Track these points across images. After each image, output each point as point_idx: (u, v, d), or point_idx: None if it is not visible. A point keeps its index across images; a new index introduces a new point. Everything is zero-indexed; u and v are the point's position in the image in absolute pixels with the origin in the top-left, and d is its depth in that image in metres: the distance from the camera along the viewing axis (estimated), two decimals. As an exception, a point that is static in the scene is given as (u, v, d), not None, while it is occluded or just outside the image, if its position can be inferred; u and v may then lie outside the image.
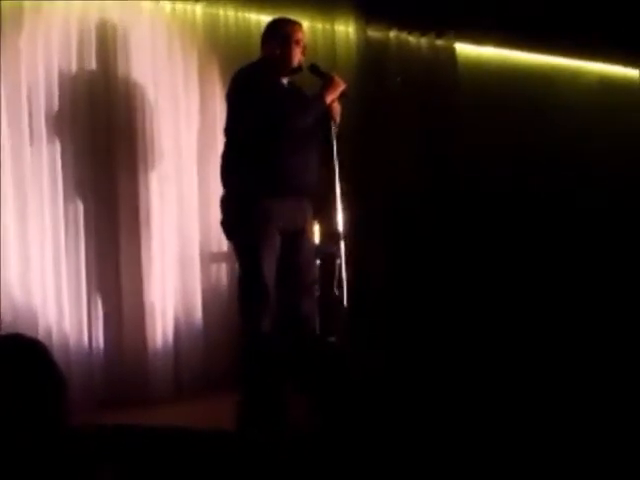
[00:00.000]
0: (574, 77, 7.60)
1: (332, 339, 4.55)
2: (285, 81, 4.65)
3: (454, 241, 6.33)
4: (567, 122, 7.14)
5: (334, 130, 4.56)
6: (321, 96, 4.53)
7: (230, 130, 4.61)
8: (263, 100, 4.44)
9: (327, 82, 4.58)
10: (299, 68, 4.63)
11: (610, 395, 4.23)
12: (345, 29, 6.24)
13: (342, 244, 4.49)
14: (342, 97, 4.61)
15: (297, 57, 4.59)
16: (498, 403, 4.06)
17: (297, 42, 4.60)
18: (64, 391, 2.43)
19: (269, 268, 4.46)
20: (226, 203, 4.60)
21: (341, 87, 4.59)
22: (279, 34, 4.63)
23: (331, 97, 4.55)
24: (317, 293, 4.73)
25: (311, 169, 4.56)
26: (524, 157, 6.88)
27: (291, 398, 4.37)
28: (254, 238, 4.44)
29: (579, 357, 4.88)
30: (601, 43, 7.14)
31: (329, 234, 4.64)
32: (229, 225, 4.62)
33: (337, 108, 4.60)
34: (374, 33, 6.40)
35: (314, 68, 4.66)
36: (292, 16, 5.09)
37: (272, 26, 4.73)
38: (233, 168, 4.57)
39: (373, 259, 5.82)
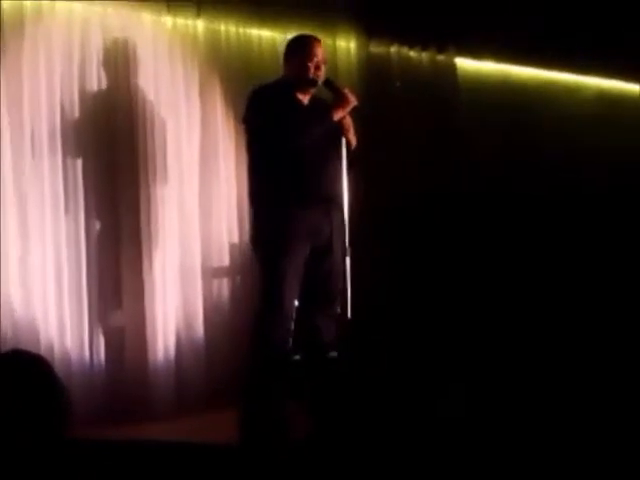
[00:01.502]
0: (574, 91, 7.62)
1: (334, 354, 4.55)
2: (305, 97, 4.68)
3: (461, 253, 6.34)
4: (567, 135, 7.16)
5: (345, 144, 4.59)
6: (328, 113, 4.57)
7: (249, 148, 4.68)
8: (269, 119, 4.49)
9: (338, 98, 4.62)
10: (313, 82, 4.65)
11: (610, 393, 4.24)
12: (346, 44, 6.25)
13: (348, 258, 4.51)
14: (353, 111, 4.65)
15: (310, 71, 4.63)
16: (501, 415, 4.06)
17: (309, 56, 4.63)
18: (67, 406, 2.43)
19: (292, 281, 4.50)
20: (254, 218, 4.67)
21: (352, 103, 4.62)
22: (294, 51, 4.70)
23: (340, 114, 4.59)
24: (338, 309, 4.71)
25: (334, 179, 4.58)
26: (525, 171, 6.89)
27: (291, 407, 4.38)
28: (278, 250, 4.48)
29: (586, 374, 4.86)
30: (601, 57, 7.16)
31: None
32: (255, 238, 4.68)
33: (348, 123, 4.63)
34: (375, 48, 6.42)
35: (328, 83, 4.70)
36: (293, 32, 5.15)
37: (289, 44, 4.80)
38: (258, 185, 4.62)
39: (377, 272, 5.83)
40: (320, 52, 4.70)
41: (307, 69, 4.64)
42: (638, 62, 7.38)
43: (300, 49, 4.71)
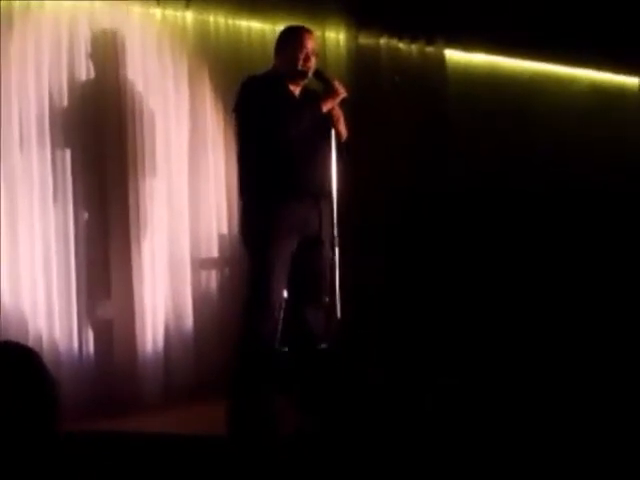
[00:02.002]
0: (565, 84, 7.62)
1: (324, 346, 4.55)
2: (296, 88, 4.68)
3: (449, 246, 6.35)
4: (557, 128, 7.16)
5: (335, 135, 4.59)
6: (317, 104, 4.57)
7: (239, 139, 4.68)
8: (259, 110, 4.50)
9: (327, 89, 4.62)
10: (302, 73, 4.65)
11: (608, 390, 4.25)
12: (336, 36, 6.25)
13: (337, 250, 4.52)
14: (343, 103, 4.65)
15: (300, 62, 4.62)
16: (496, 409, 4.07)
17: (300, 47, 4.63)
18: (56, 398, 2.44)
19: (280, 273, 4.50)
20: (243, 209, 4.67)
21: (341, 94, 4.62)
22: (285, 41, 4.70)
23: (329, 105, 4.59)
24: (325, 301, 4.72)
25: (324, 171, 4.58)
26: (514, 164, 6.90)
27: (280, 400, 4.38)
28: (267, 242, 4.48)
29: (583, 370, 4.87)
30: (592, 50, 7.15)
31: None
32: (244, 230, 4.68)
33: (338, 114, 4.63)
34: (365, 40, 6.42)
35: (318, 73, 4.69)
36: (282, 23, 5.14)
37: (280, 35, 4.80)
38: (247, 176, 4.62)
39: (368, 264, 5.84)
40: (311, 43, 4.70)
41: (297, 60, 4.63)
42: (631, 55, 7.38)
43: (291, 40, 4.70)
